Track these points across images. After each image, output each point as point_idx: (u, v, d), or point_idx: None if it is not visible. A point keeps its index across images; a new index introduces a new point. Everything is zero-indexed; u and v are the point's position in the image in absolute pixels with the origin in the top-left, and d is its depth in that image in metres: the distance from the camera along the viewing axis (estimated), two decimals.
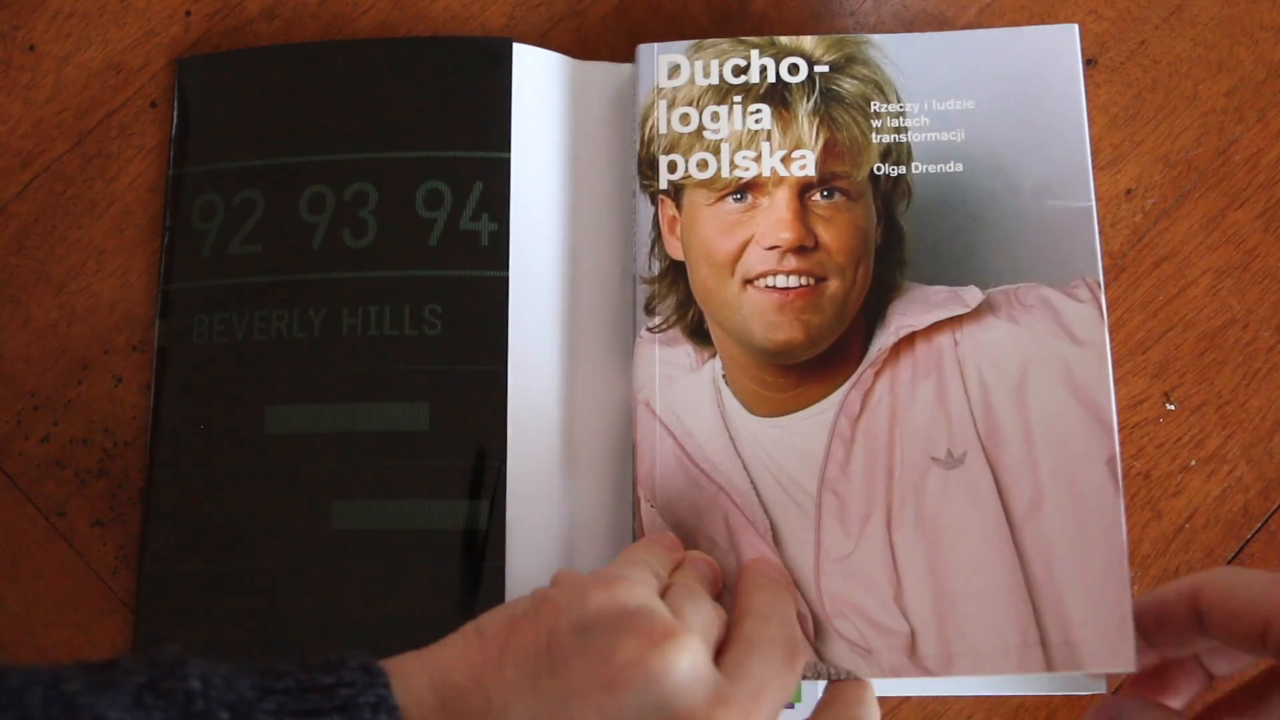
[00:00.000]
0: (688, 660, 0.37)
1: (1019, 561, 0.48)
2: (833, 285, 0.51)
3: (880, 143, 0.52)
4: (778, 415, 0.51)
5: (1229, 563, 0.53)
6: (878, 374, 0.50)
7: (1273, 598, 0.39)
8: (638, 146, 0.54)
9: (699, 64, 0.54)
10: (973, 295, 0.51)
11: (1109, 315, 0.55)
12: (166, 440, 0.53)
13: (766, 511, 0.49)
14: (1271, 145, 0.56)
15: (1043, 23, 0.58)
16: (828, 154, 0.52)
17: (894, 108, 0.53)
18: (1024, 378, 0.50)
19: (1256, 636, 0.39)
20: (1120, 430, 0.53)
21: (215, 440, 0.52)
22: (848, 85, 0.53)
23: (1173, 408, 0.54)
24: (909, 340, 0.51)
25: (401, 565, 0.51)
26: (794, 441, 0.50)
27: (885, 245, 0.52)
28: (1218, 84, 0.57)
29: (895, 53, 0.53)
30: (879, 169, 0.52)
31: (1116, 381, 0.54)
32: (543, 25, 0.58)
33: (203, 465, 0.52)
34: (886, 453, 0.50)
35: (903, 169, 0.52)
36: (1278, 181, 0.56)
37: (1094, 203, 0.51)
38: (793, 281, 0.51)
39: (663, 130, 0.53)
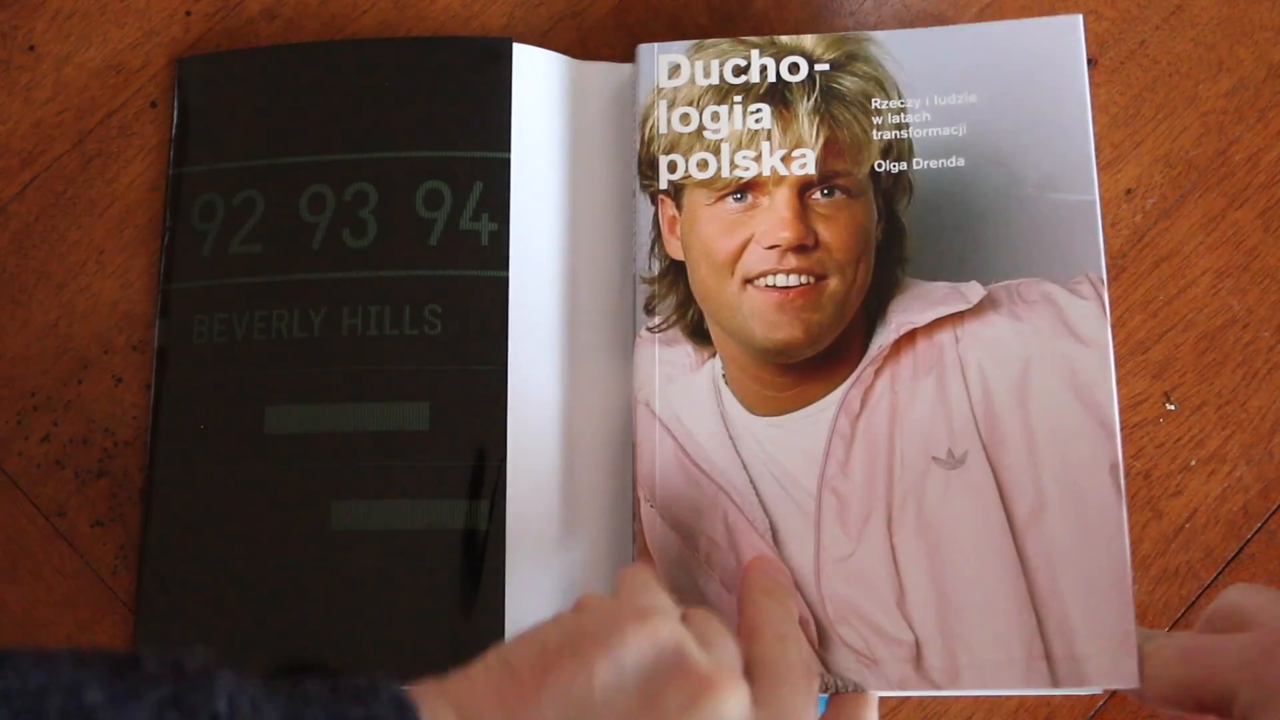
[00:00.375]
0: (736, 709, 0.36)
1: (1022, 570, 0.48)
2: (833, 283, 0.51)
3: (881, 139, 0.52)
4: (777, 414, 0.50)
5: (1229, 563, 0.53)
6: (878, 372, 0.50)
7: (1192, 668, 0.41)
8: (638, 146, 0.54)
9: (699, 64, 0.53)
10: (974, 291, 0.50)
11: (1110, 315, 0.55)
12: (166, 440, 0.53)
13: (766, 511, 0.49)
14: (1271, 145, 0.56)
15: None
16: (828, 152, 0.52)
17: (895, 104, 0.52)
18: (1026, 376, 0.49)
19: (1192, 704, 0.41)
20: (1120, 430, 0.53)
21: (215, 440, 0.52)
22: (848, 83, 0.53)
23: (1173, 408, 0.54)
24: (910, 337, 0.50)
25: (401, 565, 0.51)
26: (794, 440, 0.50)
27: (886, 242, 0.51)
28: (1218, 84, 0.57)
29: (897, 49, 0.53)
30: (880, 166, 0.52)
31: (1117, 382, 0.54)
32: (543, 25, 0.58)
33: (203, 465, 0.52)
34: (887, 452, 0.49)
35: (904, 165, 0.52)
36: (1278, 181, 0.56)
37: (1097, 197, 0.50)
38: (793, 280, 0.51)
39: (663, 130, 0.53)
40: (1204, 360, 0.54)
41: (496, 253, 0.53)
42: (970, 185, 0.51)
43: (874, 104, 0.52)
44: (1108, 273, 0.55)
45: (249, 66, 0.56)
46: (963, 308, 0.50)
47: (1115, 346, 0.54)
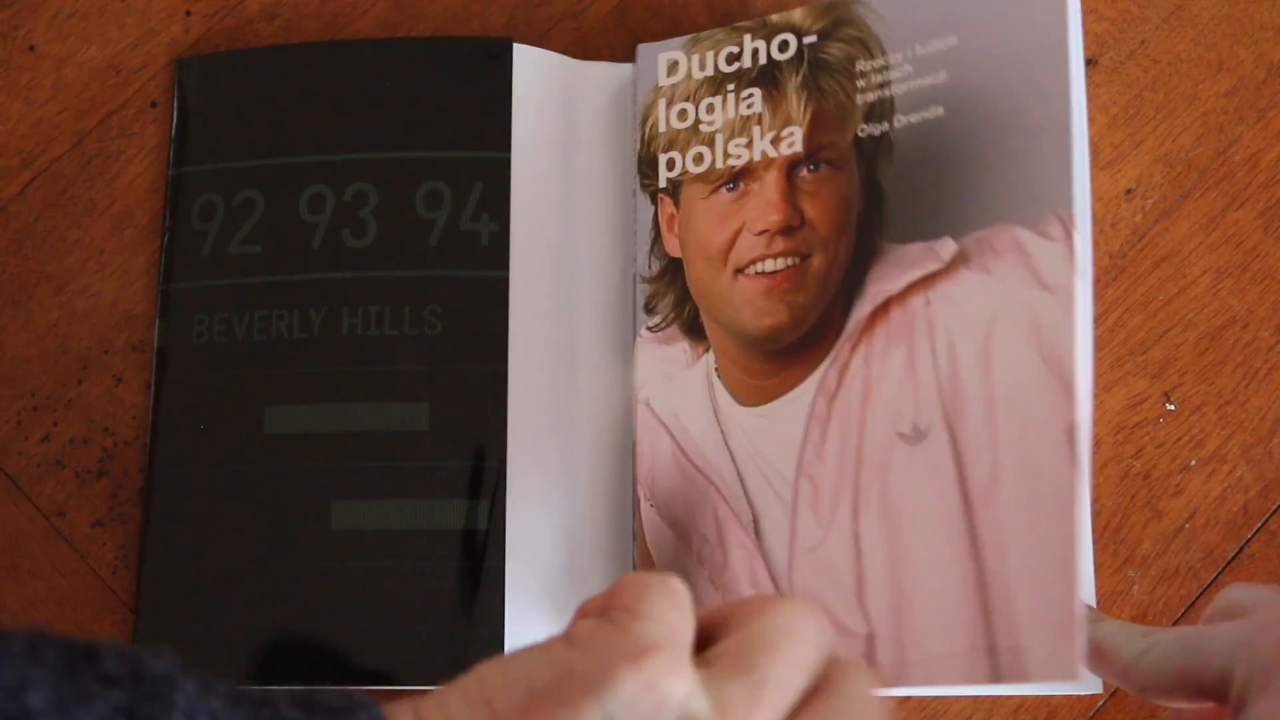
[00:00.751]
0: None
1: (973, 551, 0.43)
2: (816, 261, 0.48)
3: (864, 103, 0.49)
4: (763, 403, 0.49)
5: (1229, 563, 0.53)
6: (854, 347, 0.47)
7: (1190, 656, 0.40)
8: (638, 146, 0.54)
9: (695, 58, 0.53)
10: (946, 248, 0.46)
11: (1109, 315, 0.55)
12: (166, 440, 0.53)
13: (750, 504, 0.48)
14: (1271, 145, 0.56)
15: None
16: (815, 126, 0.50)
17: (878, 63, 0.49)
18: (991, 335, 0.44)
19: (1192, 691, 0.40)
20: (1120, 430, 0.53)
21: (215, 440, 0.52)
22: (835, 50, 0.50)
23: (1173, 408, 0.54)
24: (885, 307, 0.47)
25: (401, 565, 0.51)
26: (777, 428, 0.48)
27: (866, 209, 0.48)
28: (1218, 84, 0.57)
29: (880, 3, 0.50)
30: (863, 131, 0.49)
31: (1116, 382, 0.54)
32: (543, 25, 0.58)
33: (203, 465, 0.52)
34: (858, 432, 0.46)
35: (885, 125, 0.49)
36: (1278, 181, 0.56)
37: (1073, 127, 0.44)
38: (780, 264, 0.49)
39: (662, 129, 0.53)
40: (1204, 360, 0.54)
41: (496, 253, 0.53)
42: (948, 134, 0.47)
43: (858, 67, 0.49)
44: (1107, 273, 0.55)
45: (249, 66, 0.56)
46: (936, 267, 0.46)
47: (1115, 346, 0.54)
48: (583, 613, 0.35)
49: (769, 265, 0.49)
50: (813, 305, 0.48)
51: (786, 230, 0.49)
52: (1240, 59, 0.57)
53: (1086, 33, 0.57)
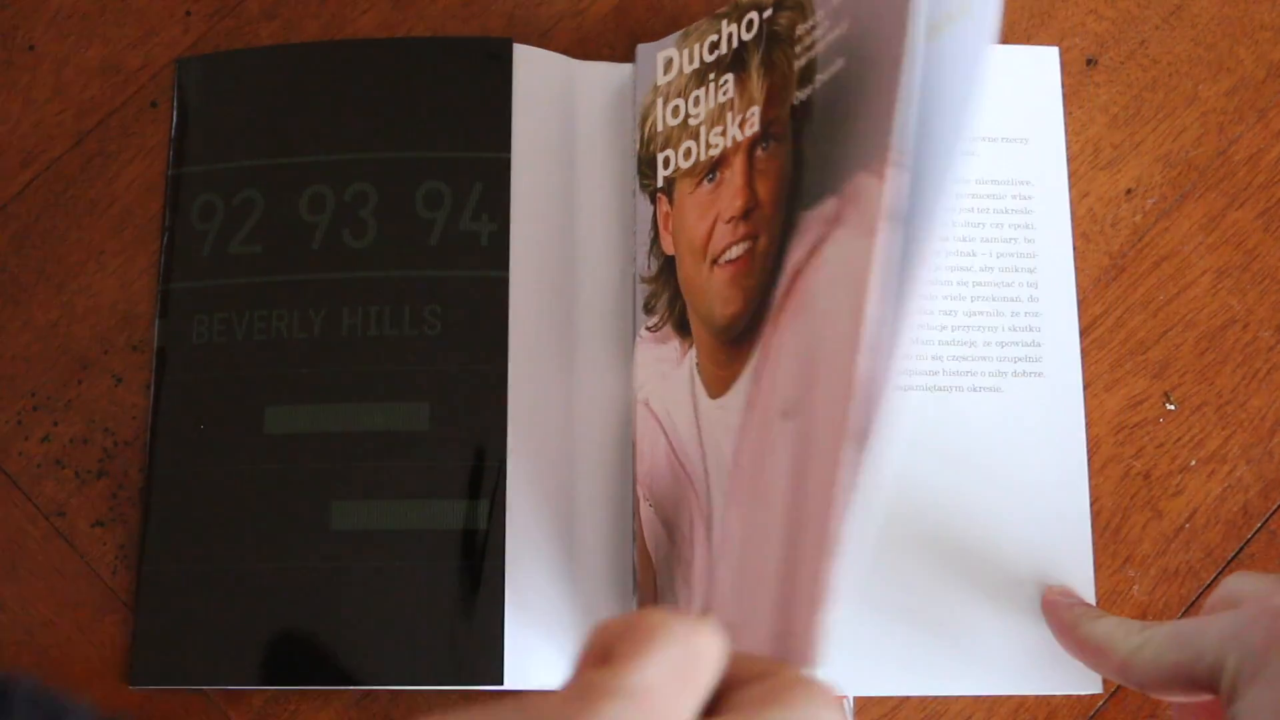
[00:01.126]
0: None
1: (792, 532, 0.39)
2: (762, 241, 0.47)
3: (798, 69, 0.46)
4: (723, 394, 0.47)
5: (1229, 563, 0.53)
6: (774, 327, 0.44)
7: (1184, 648, 0.41)
8: (637, 146, 0.54)
9: (686, 52, 0.53)
10: (829, 208, 0.42)
11: (1109, 315, 0.55)
12: (166, 440, 0.53)
13: (710, 497, 0.47)
14: (1271, 145, 0.56)
15: (1042, 24, 0.58)
16: (768, 101, 0.48)
17: (810, 24, 0.46)
18: (839, 294, 0.40)
19: (1187, 683, 0.41)
20: (1120, 430, 0.53)
21: (215, 440, 0.52)
22: (783, 20, 0.48)
23: (1173, 408, 0.54)
24: (793, 281, 0.43)
25: (401, 565, 0.51)
26: (728, 418, 0.47)
27: (793, 180, 0.45)
28: (1218, 84, 0.57)
29: None
30: (796, 99, 0.46)
31: (1116, 382, 0.54)
32: (543, 25, 0.58)
33: (203, 465, 0.52)
34: (764, 415, 0.43)
35: (810, 89, 0.45)
36: (1278, 181, 0.56)
37: (911, 50, 0.37)
38: (740, 250, 0.48)
39: (660, 128, 0.53)
40: (1204, 360, 0.54)
41: (496, 253, 0.53)
42: (846, 87, 0.43)
43: (797, 32, 0.47)
44: (1107, 273, 0.55)
45: (249, 66, 0.56)
46: (822, 231, 0.42)
47: (1115, 346, 0.54)
48: (592, 643, 0.31)
49: (733, 252, 0.48)
50: (758, 287, 0.46)
51: (745, 214, 0.48)
52: (1240, 59, 0.57)
53: (1086, 33, 0.57)
